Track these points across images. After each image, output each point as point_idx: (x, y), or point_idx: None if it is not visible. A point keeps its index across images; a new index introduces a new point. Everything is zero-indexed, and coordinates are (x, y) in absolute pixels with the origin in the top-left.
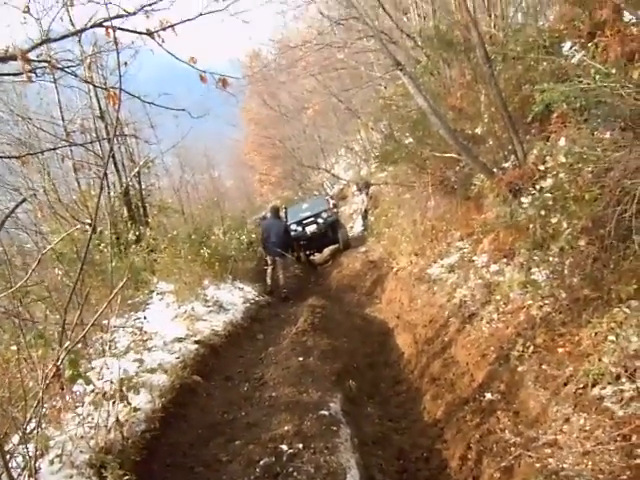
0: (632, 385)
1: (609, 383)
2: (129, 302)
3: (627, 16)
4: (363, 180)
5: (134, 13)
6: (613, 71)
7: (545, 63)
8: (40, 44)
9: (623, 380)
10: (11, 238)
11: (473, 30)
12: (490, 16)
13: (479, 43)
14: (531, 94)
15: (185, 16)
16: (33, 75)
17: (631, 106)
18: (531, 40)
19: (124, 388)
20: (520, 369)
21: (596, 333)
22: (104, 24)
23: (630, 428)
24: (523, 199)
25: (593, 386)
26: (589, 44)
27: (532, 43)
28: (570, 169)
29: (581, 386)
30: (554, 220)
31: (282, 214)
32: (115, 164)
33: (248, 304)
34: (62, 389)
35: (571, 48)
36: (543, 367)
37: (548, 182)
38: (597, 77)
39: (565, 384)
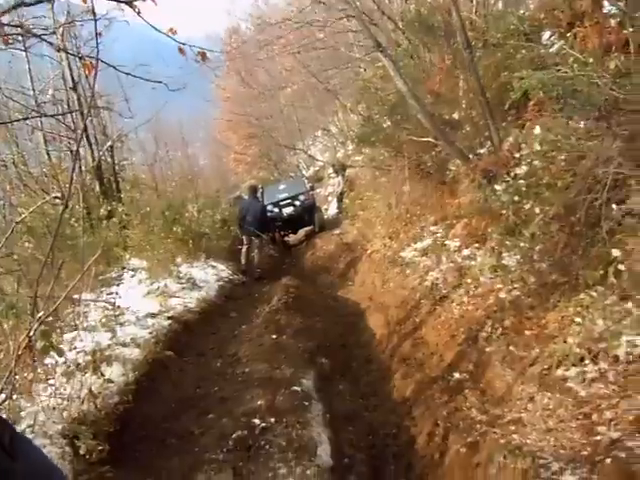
0: (595, 367)
1: (573, 365)
2: (101, 278)
3: (607, 7)
4: (339, 162)
5: None
6: (591, 60)
7: (524, 51)
8: (13, 7)
9: (586, 362)
10: None
11: (455, 15)
12: (472, 1)
13: (460, 28)
14: (509, 81)
15: None
16: (7, 40)
17: (606, 95)
18: (511, 27)
19: (97, 360)
20: (488, 350)
21: (562, 317)
22: None
23: (591, 407)
24: (497, 186)
25: (557, 367)
26: (568, 34)
27: (512, 30)
28: (544, 157)
29: (546, 367)
30: (527, 206)
31: (259, 194)
32: (87, 137)
33: (222, 282)
34: (34, 360)
35: (550, 37)
36: (510, 348)
37: (522, 169)
38: (575, 66)
39: (531, 365)
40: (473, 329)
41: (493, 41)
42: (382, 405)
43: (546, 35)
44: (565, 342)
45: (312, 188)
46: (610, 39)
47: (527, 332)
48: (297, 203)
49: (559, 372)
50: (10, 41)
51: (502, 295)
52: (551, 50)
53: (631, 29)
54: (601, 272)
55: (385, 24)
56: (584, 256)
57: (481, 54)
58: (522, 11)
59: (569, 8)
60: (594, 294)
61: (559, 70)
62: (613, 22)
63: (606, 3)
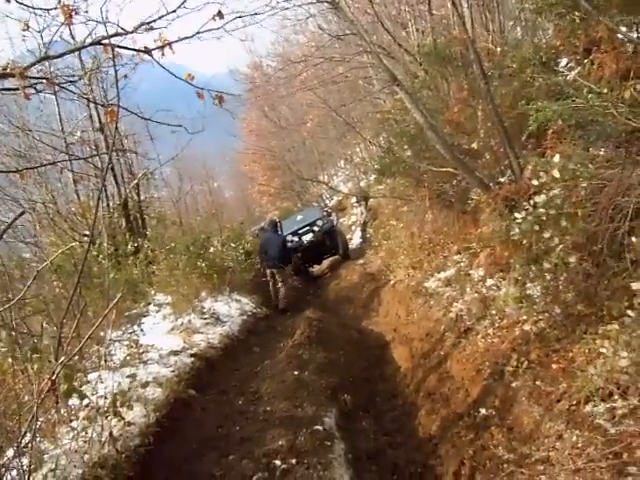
0: (624, 402)
1: (602, 400)
2: (126, 314)
3: (622, 33)
4: (362, 192)
5: (132, 32)
6: (605, 91)
7: (541, 79)
8: (39, 61)
9: (615, 397)
10: (10, 249)
11: (470, 47)
12: (488, 31)
13: (476, 60)
14: (527, 110)
15: (183, 29)
16: (31, 92)
17: (622, 125)
18: (527, 56)
19: (118, 402)
20: (514, 385)
21: (589, 349)
22: (103, 42)
23: (621, 446)
24: (517, 214)
25: (586, 403)
26: (585, 60)
27: (528, 59)
28: (564, 185)
29: (574, 402)
30: (547, 235)
31: (280, 229)
32: (114, 176)
33: (245, 316)
34: (57, 403)
35: (567, 64)
36: (537, 383)
37: (542, 198)
38: (590, 96)
39: (558, 400)
40: (499, 363)
41: (509, 71)
42: (407, 443)
43: (563, 62)
44: (593, 376)
45: (329, 214)
46: (627, 65)
47: (554, 366)
48: (315, 228)
49: (587, 408)
50: (37, 89)
51: (527, 327)
52: (568, 78)
53: None
54: (626, 303)
55: (402, 56)
56: (609, 286)
57: (498, 84)
58: (539, 38)
59: (585, 34)
60: (619, 327)
61: (574, 100)
62: (630, 48)
63: (622, 29)
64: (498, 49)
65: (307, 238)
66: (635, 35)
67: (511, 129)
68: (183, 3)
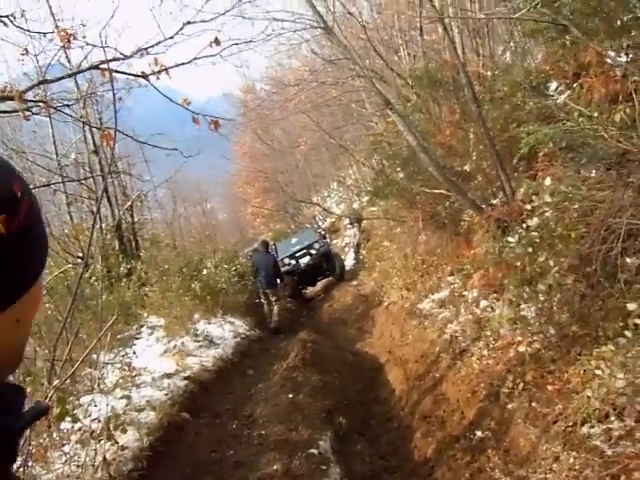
0: (620, 423)
1: (598, 421)
2: (119, 337)
3: (610, 58)
4: (355, 214)
5: (130, 56)
6: (595, 114)
7: (532, 103)
8: (37, 84)
9: (612, 418)
10: None
11: (461, 71)
12: (478, 55)
13: (467, 84)
14: (518, 133)
15: (180, 54)
16: (29, 114)
17: (614, 147)
18: (518, 80)
19: (111, 426)
20: (510, 406)
21: (585, 370)
22: (101, 66)
23: (619, 468)
24: (510, 238)
25: (582, 424)
26: (574, 84)
27: (519, 83)
28: (556, 208)
29: (570, 424)
30: (541, 259)
31: (271, 249)
32: (108, 198)
33: (239, 339)
34: (49, 427)
35: (557, 88)
36: (533, 405)
37: (534, 221)
38: (580, 119)
39: (554, 422)
40: (494, 384)
41: (500, 95)
42: (402, 466)
43: (553, 86)
44: (589, 398)
45: (324, 236)
46: (616, 88)
47: (549, 387)
48: (312, 252)
49: (584, 429)
50: (34, 112)
51: (522, 348)
52: (558, 101)
53: (635, 78)
54: (621, 324)
55: (395, 80)
56: (603, 307)
57: (489, 107)
58: (528, 62)
59: (574, 59)
60: (613, 348)
61: (564, 123)
62: (618, 72)
63: (611, 54)
64: (489, 73)
65: (304, 261)
66: (623, 59)
67: (503, 152)
68: (181, 30)
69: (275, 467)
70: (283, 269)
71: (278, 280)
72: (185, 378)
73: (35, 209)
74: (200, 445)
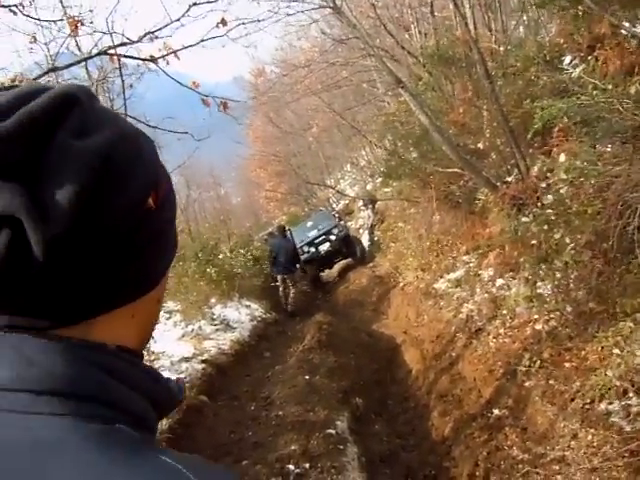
0: (639, 400)
1: (616, 398)
2: None
3: (626, 29)
4: (369, 195)
5: (138, 41)
6: (610, 87)
7: (545, 77)
8: (47, 72)
9: (630, 395)
10: None
11: (473, 47)
12: (490, 31)
13: (480, 60)
14: (532, 109)
15: (188, 38)
16: None
17: (629, 121)
18: (531, 55)
19: None
20: (527, 384)
21: (602, 347)
22: (109, 52)
23: (638, 444)
24: (525, 216)
25: (600, 401)
26: (589, 57)
27: (532, 58)
28: (571, 184)
29: (588, 401)
30: (557, 235)
31: (289, 235)
32: None
33: (255, 322)
34: None
35: (571, 62)
36: (550, 382)
37: (550, 198)
38: (595, 93)
39: (572, 399)
40: (511, 363)
41: (513, 70)
42: (420, 445)
43: (567, 59)
44: (606, 375)
45: (340, 219)
46: (631, 60)
47: (566, 364)
48: (332, 237)
49: (602, 406)
50: None
51: (539, 326)
52: (572, 75)
53: None
54: (638, 300)
55: (406, 59)
56: (621, 283)
57: (502, 83)
58: (542, 36)
59: (588, 31)
60: (632, 325)
61: (579, 97)
62: (634, 43)
63: (625, 24)
64: (501, 49)
65: (324, 248)
66: (639, 30)
67: (517, 128)
68: (187, 12)
69: (293, 447)
70: (302, 257)
71: (297, 265)
72: (203, 361)
73: (173, 191)
74: (219, 427)
